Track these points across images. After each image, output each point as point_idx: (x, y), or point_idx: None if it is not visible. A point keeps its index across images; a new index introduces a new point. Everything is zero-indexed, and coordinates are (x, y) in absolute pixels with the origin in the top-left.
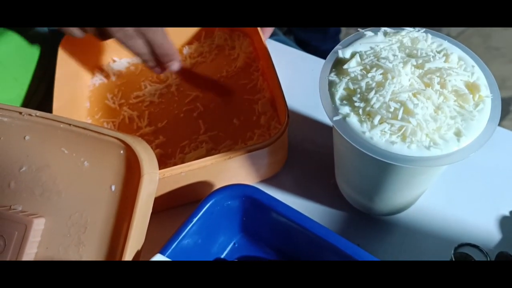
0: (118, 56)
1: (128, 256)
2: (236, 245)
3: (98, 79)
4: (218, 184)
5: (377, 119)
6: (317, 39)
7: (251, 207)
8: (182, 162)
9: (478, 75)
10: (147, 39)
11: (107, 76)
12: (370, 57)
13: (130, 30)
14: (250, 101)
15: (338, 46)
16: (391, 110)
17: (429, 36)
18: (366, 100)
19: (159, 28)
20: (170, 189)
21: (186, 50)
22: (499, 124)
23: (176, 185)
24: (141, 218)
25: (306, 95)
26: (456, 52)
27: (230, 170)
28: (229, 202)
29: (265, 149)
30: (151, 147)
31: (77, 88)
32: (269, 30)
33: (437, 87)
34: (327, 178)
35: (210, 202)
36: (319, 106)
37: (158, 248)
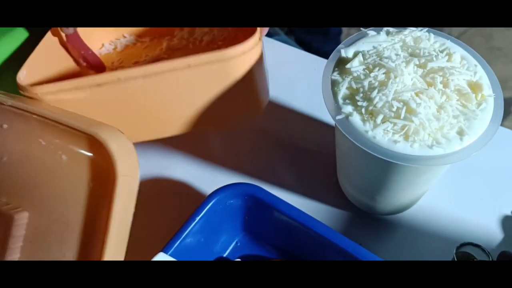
0: (128, 33)
1: (108, 255)
2: (238, 244)
3: (105, 49)
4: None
5: (379, 118)
6: (318, 40)
7: (253, 206)
8: None
9: (481, 75)
10: None
11: (115, 48)
12: (372, 56)
13: None
14: None
15: (340, 46)
16: (394, 109)
17: (432, 35)
18: (369, 99)
19: None
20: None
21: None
22: (501, 124)
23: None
24: (120, 218)
25: (308, 94)
26: (458, 52)
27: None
28: (231, 201)
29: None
30: None
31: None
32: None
33: (440, 86)
34: (328, 177)
35: (213, 201)
36: (320, 106)
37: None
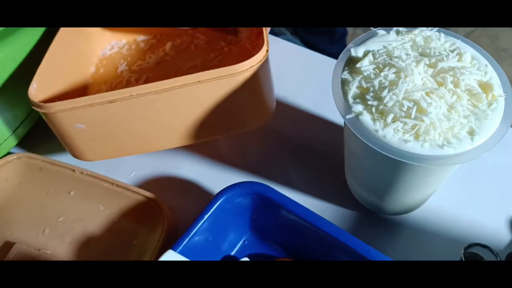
0: (131, 33)
1: None
2: (246, 243)
3: (109, 50)
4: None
5: (390, 118)
6: (323, 41)
7: (261, 205)
8: None
9: (491, 75)
10: None
11: (118, 49)
12: (382, 56)
13: None
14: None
15: (350, 45)
16: (404, 108)
17: (442, 35)
18: (379, 98)
19: None
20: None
21: None
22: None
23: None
24: None
25: (316, 94)
26: (469, 51)
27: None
28: (239, 200)
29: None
30: None
31: (86, 54)
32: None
33: (450, 86)
34: (336, 177)
35: (221, 200)
36: (328, 105)
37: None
